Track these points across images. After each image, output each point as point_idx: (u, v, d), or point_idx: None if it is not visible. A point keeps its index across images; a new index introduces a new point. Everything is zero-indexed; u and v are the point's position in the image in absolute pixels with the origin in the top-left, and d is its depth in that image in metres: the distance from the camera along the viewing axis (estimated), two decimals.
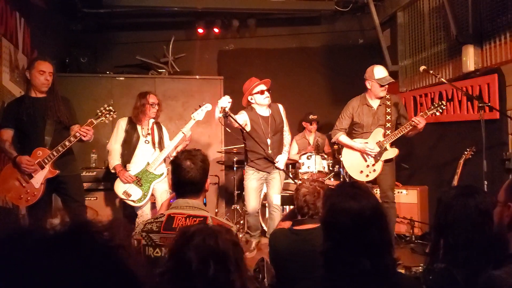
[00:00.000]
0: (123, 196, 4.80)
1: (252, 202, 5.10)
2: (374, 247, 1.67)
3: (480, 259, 1.81)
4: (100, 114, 4.33)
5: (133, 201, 4.79)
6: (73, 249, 0.65)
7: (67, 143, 4.14)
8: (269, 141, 4.99)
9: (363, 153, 5.01)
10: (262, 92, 5.00)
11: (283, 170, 4.98)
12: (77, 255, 0.64)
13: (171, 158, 2.76)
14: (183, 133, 4.88)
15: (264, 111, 5.08)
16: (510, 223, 1.67)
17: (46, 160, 4.11)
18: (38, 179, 4.12)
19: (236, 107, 5.01)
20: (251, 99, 5.06)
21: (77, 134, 4.12)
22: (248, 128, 4.97)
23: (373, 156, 4.97)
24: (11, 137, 4.16)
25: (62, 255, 0.64)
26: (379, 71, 4.97)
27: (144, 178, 4.83)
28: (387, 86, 4.97)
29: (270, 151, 4.94)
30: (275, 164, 4.96)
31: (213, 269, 1.41)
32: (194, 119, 4.94)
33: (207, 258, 1.43)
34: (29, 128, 4.15)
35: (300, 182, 3.29)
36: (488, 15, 5.15)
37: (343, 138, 5.12)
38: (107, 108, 4.35)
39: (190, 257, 1.43)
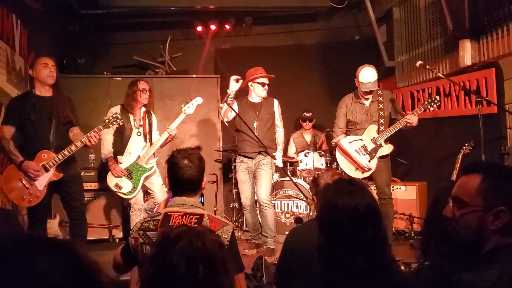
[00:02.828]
0: (114, 189, 4.95)
1: (243, 194, 5.23)
2: (368, 244, 1.67)
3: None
4: (107, 121, 4.41)
5: (123, 193, 4.95)
6: None
7: (73, 147, 4.14)
8: (255, 124, 5.14)
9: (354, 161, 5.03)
10: (263, 85, 5.18)
11: (282, 168, 5.00)
12: None
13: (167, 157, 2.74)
14: (168, 133, 4.94)
15: (255, 99, 5.26)
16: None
17: (51, 164, 4.10)
18: (42, 182, 4.11)
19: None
20: (251, 85, 5.22)
21: (84, 139, 4.13)
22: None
23: (369, 153, 4.98)
24: (12, 135, 4.11)
25: None
26: (364, 75, 4.92)
27: (134, 171, 4.96)
28: (368, 91, 4.96)
29: (256, 134, 5.05)
30: (275, 162, 5.09)
31: (202, 272, 1.34)
32: (185, 113, 5.02)
33: (195, 261, 1.36)
34: (35, 128, 4.12)
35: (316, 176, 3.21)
36: (485, 9, 5.13)
37: (343, 142, 5.10)
38: (114, 116, 4.45)
39: (176, 261, 1.35)
